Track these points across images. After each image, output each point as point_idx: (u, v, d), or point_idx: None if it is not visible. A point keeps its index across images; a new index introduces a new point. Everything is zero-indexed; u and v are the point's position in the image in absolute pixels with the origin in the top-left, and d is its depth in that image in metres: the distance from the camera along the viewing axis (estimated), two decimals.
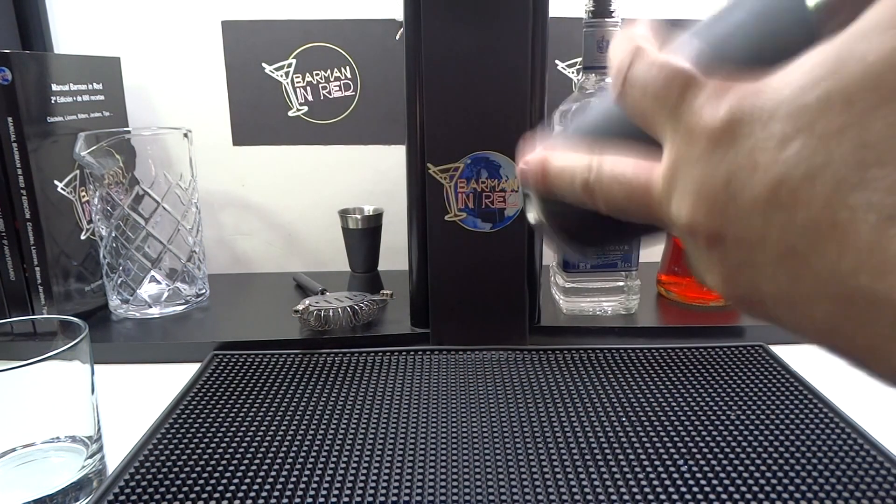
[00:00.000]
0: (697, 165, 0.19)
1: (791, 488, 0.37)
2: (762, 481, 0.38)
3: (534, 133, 0.54)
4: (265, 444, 0.42)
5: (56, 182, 0.60)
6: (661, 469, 0.39)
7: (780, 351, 0.55)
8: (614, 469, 0.39)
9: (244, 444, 0.42)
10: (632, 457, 0.40)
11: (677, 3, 0.76)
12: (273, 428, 0.44)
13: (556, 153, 0.25)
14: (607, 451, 0.41)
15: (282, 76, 0.77)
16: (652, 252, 0.69)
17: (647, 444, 0.42)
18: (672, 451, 0.41)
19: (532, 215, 0.28)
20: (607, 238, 0.28)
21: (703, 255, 0.20)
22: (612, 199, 0.23)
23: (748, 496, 0.37)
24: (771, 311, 0.19)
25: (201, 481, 0.38)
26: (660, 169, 0.21)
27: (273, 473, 0.39)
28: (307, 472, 0.39)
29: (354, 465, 0.40)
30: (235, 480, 0.38)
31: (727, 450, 0.41)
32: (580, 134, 0.26)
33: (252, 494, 0.37)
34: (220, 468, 0.40)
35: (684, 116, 0.20)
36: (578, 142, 0.25)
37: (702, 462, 0.40)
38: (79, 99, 0.63)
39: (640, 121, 0.22)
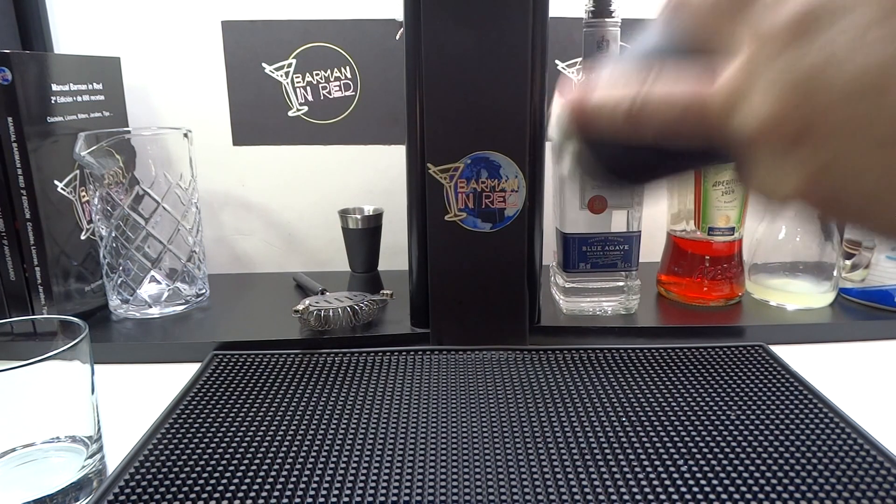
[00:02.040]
0: (775, 63, 0.19)
1: (791, 488, 0.37)
2: (762, 481, 0.38)
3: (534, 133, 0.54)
4: (265, 444, 0.42)
5: (56, 182, 0.60)
6: (661, 469, 0.39)
7: (780, 351, 0.55)
8: (614, 469, 0.39)
9: (244, 444, 0.42)
10: (632, 457, 0.40)
11: None
12: (273, 428, 0.44)
13: (595, 87, 0.24)
14: (607, 451, 0.41)
15: (282, 76, 0.77)
16: (652, 252, 0.69)
17: (647, 444, 0.42)
18: (672, 451, 0.41)
19: (566, 161, 0.27)
20: (645, 173, 0.27)
21: (782, 157, 0.19)
22: (661, 122, 0.22)
23: (748, 496, 0.37)
24: (858, 212, 0.19)
25: (201, 481, 0.38)
26: (722, 79, 0.20)
27: (273, 473, 0.39)
28: (307, 472, 0.39)
29: (354, 465, 0.40)
30: (235, 480, 0.38)
31: (727, 450, 0.41)
32: (620, 68, 0.25)
33: (252, 494, 0.37)
34: (220, 468, 0.40)
35: (752, 19, 0.20)
36: (617, 75, 0.24)
37: (702, 462, 0.40)
38: (79, 99, 0.63)
39: (698, 36, 0.22)
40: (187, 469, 0.40)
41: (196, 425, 0.44)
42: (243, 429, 0.44)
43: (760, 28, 0.19)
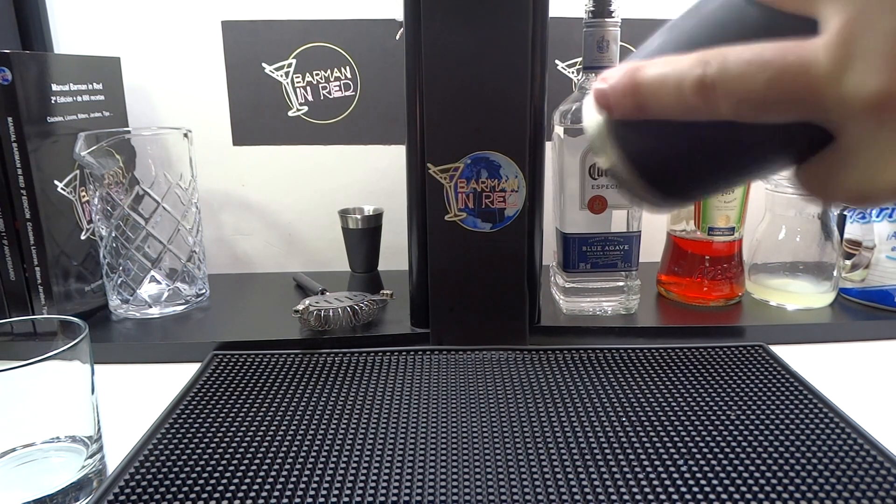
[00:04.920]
0: (885, 19, 0.16)
1: (791, 488, 0.37)
2: (762, 481, 0.38)
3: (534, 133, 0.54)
4: (265, 444, 0.42)
5: (56, 182, 0.60)
6: (661, 469, 0.39)
7: (780, 351, 0.55)
8: (614, 469, 0.39)
9: (244, 444, 0.42)
10: (632, 457, 0.40)
11: (674, 4, 0.76)
12: (273, 428, 0.44)
13: (648, 62, 0.21)
14: (607, 451, 0.41)
15: (282, 76, 0.77)
16: (652, 252, 0.69)
17: (647, 444, 0.42)
18: (672, 451, 0.41)
19: (603, 155, 0.23)
20: (704, 173, 0.22)
21: (890, 140, 0.17)
22: (744, 91, 0.18)
23: (748, 496, 0.37)
24: None
25: (201, 481, 0.38)
26: (821, 40, 0.17)
27: (273, 473, 0.39)
28: (307, 472, 0.39)
29: (354, 465, 0.40)
30: (235, 480, 0.38)
31: (727, 450, 0.41)
32: (672, 44, 0.21)
33: (252, 494, 0.37)
34: (220, 468, 0.40)
35: None
36: (676, 51, 0.21)
37: (702, 462, 0.40)
38: (79, 99, 0.63)
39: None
40: (187, 469, 0.40)
41: (196, 425, 0.44)
42: (243, 429, 0.44)
43: None
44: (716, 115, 0.19)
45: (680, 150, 0.22)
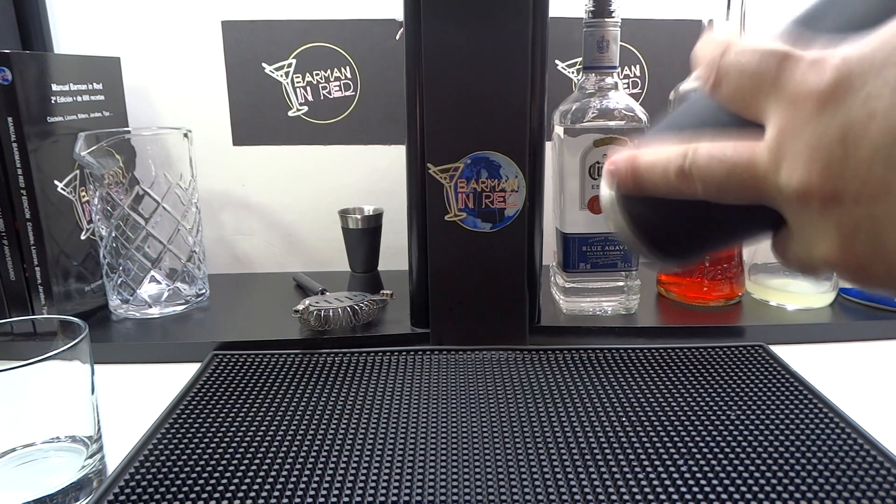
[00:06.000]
0: (807, 129, 0.20)
1: (791, 488, 0.37)
2: (762, 481, 0.38)
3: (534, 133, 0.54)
4: (265, 444, 0.42)
5: (56, 182, 0.60)
6: (661, 469, 0.39)
7: (780, 351, 0.55)
8: (614, 469, 0.39)
9: (244, 444, 0.42)
10: (632, 457, 0.40)
11: (675, 4, 0.76)
12: (273, 428, 0.44)
13: (646, 149, 0.26)
14: (607, 451, 0.41)
15: (282, 76, 0.77)
16: None
17: (647, 444, 0.42)
18: (672, 451, 0.41)
19: (613, 222, 0.28)
20: (693, 239, 0.28)
21: (815, 222, 0.21)
22: (711, 179, 0.23)
23: (748, 496, 0.37)
24: (887, 275, 0.20)
25: (201, 481, 0.38)
26: (764, 143, 0.22)
27: (273, 473, 0.39)
28: (307, 472, 0.39)
29: (354, 465, 0.40)
30: (235, 480, 0.38)
31: (727, 450, 0.41)
32: (668, 133, 0.26)
33: (252, 494, 0.37)
34: (220, 468, 0.40)
35: (787, 87, 0.21)
36: (667, 140, 0.26)
37: (702, 462, 0.40)
38: (79, 99, 0.63)
39: (738, 104, 0.23)
40: (187, 469, 0.40)
41: (196, 425, 0.44)
42: (243, 429, 0.44)
43: (793, 94, 0.20)
44: (694, 196, 0.24)
45: (672, 220, 0.27)
